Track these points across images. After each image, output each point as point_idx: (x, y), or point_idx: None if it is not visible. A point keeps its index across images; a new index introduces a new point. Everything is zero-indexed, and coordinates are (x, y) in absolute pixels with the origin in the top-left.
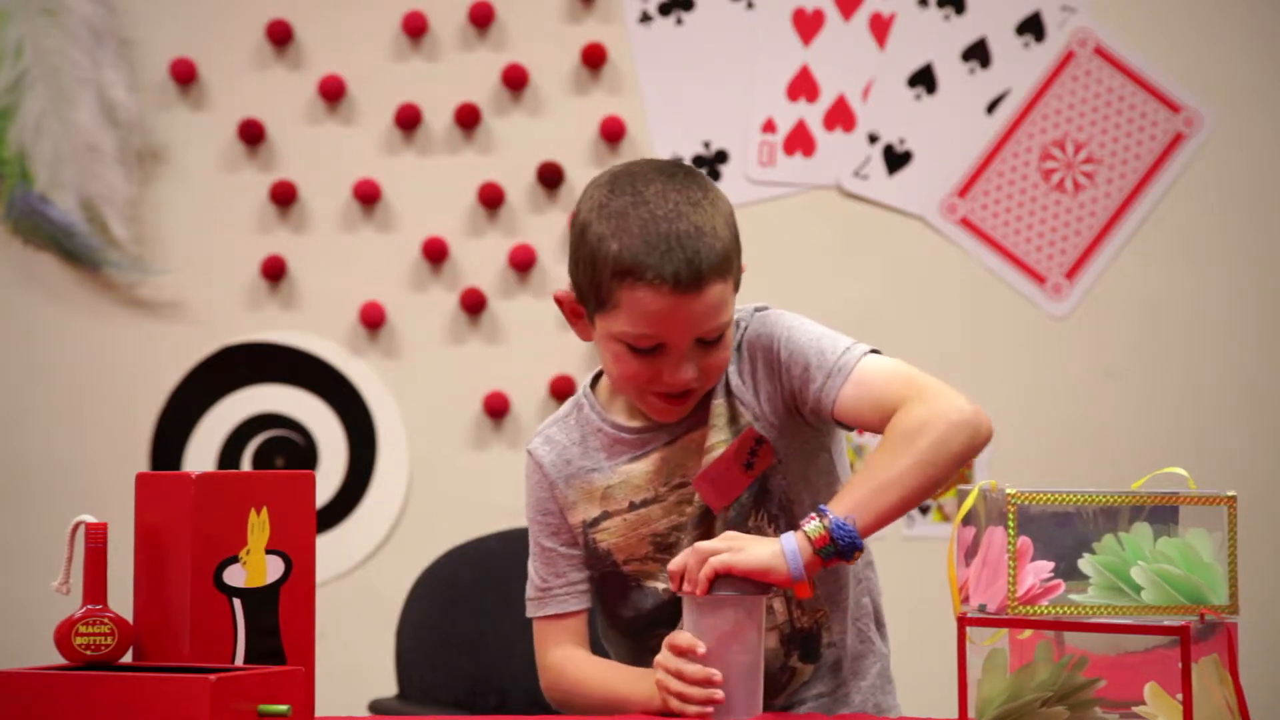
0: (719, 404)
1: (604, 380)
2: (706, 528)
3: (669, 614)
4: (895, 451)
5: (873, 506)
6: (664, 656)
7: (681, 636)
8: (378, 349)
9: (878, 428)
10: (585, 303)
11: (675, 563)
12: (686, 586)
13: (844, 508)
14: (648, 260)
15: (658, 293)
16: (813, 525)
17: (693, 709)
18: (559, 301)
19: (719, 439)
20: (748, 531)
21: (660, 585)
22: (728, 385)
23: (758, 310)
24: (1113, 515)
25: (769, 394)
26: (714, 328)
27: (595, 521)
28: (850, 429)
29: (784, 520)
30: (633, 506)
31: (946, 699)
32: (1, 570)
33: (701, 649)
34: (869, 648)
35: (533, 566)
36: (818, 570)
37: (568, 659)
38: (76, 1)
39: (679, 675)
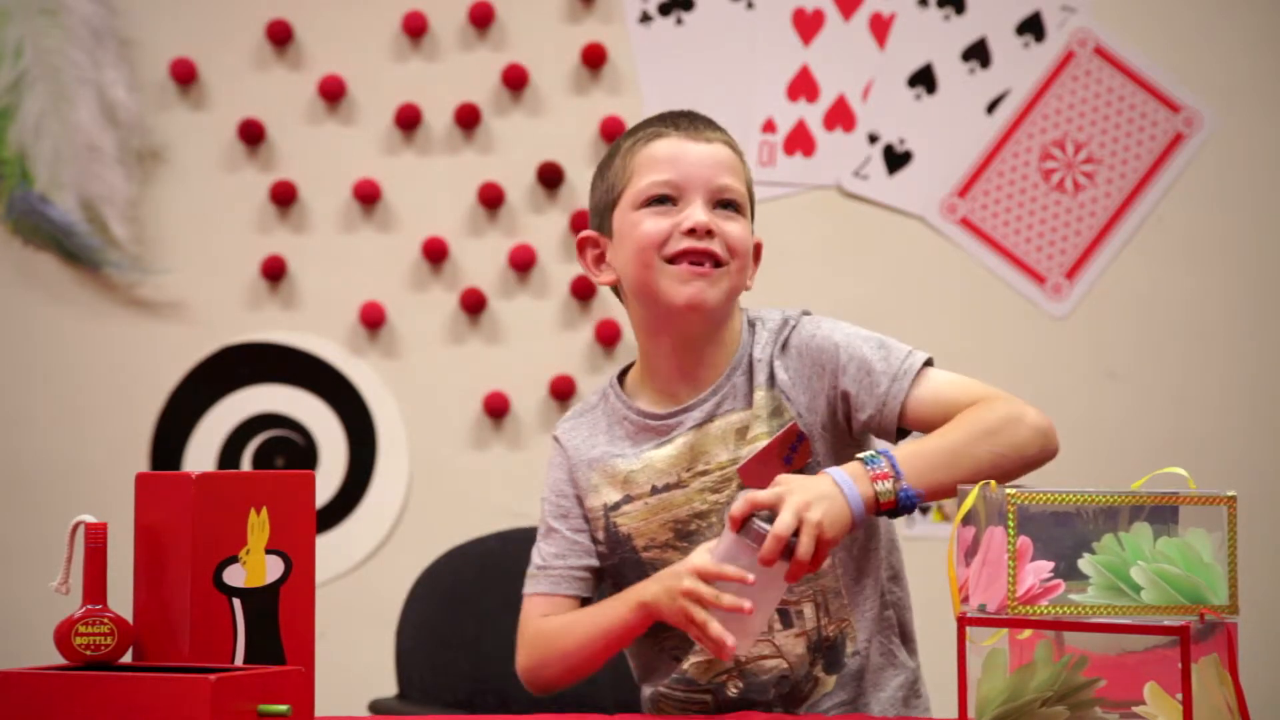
0: (762, 395)
1: (632, 372)
2: None
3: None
4: (976, 435)
5: (939, 480)
6: (693, 582)
7: (707, 561)
8: (378, 349)
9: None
10: (604, 219)
11: (736, 508)
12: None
13: (914, 474)
14: (658, 122)
15: (666, 140)
16: (884, 487)
17: (708, 641)
18: (580, 244)
19: (761, 430)
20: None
21: None
22: (773, 377)
23: (804, 313)
24: (1113, 515)
25: (816, 393)
26: (725, 186)
27: (616, 505)
28: (918, 430)
29: None
30: (655, 491)
31: (946, 699)
32: (1, 570)
33: (730, 570)
34: (890, 660)
35: (536, 546)
36: (864, 517)
37: (549, 622)
38: (76, 1)
39: (711, 602)
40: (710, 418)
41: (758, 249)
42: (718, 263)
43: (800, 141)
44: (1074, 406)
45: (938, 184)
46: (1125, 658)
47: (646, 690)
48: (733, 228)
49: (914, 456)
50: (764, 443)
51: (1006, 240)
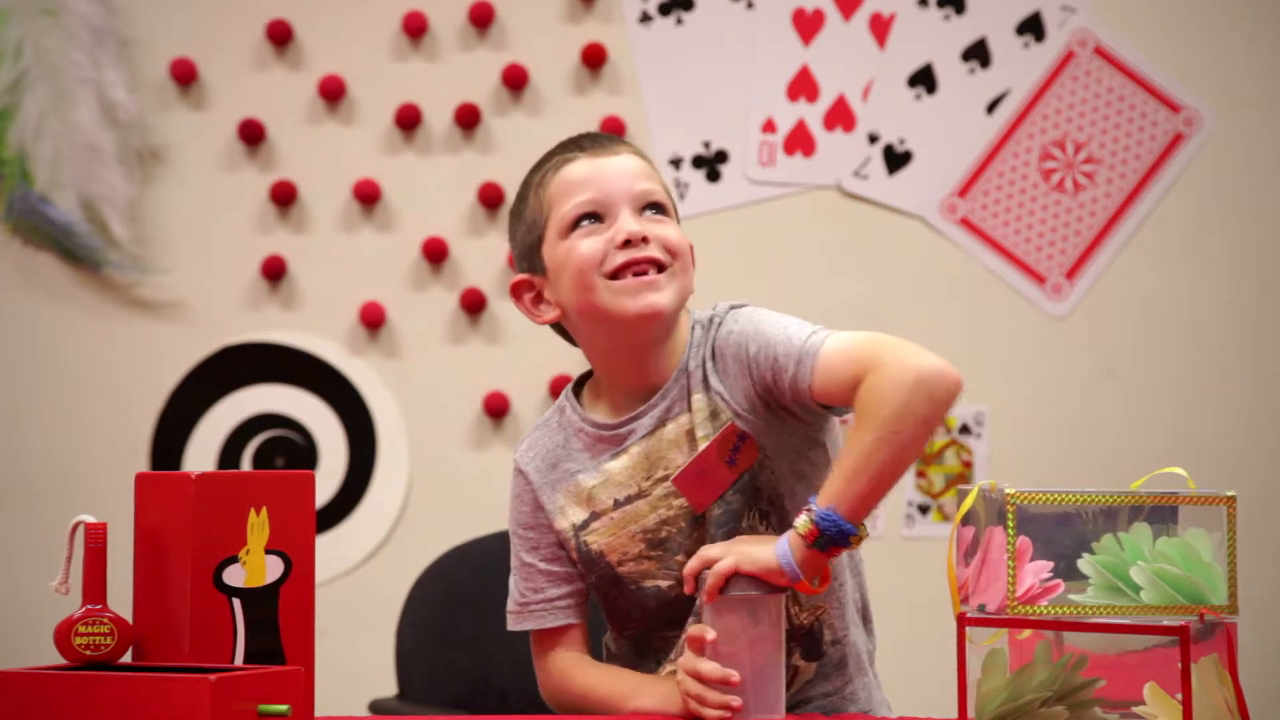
0: (699, 399)
1: (589, 383)
2: (701, 525)
3: (674, 612)
4: (861, 429)
5: (852, 490)
6: (685, 657)
7: (696, 627)
8: (378, 349)
9: (852, 400)
10: (533, 259)
11: (689, 567)
12: (701, 595)
13: (825, 497)
14: (561, 150)
15: (577, 163)
16: (801, 520)
17: (711, 713)
18: (514, 290)
19: (704, 433)
20: (741, 531)
21: (662, 583)
22: (706, 381)
23: (732, 308)
24: (1112, 515)
25: (744, 390)
26: (647, 190)
27: (584, 524)
28: (836, 406)
29: (775, 517)
30: (617, 504)
31: (946, 699)
32: (1, 570)
33: (712, 635)
34: (861, 637)
35: (512, 580)
36: (821, 563)
37: (572, 664)
38: (76, 1)
39: (696, 675)
40: (661, 423)
41: (692, 249)
42: (660, 267)
43: (800, 141)
44: (1074, 406)
45: (938, 184)
46: (1125, 658)
47: None
48: (667, 230)
49: (827, 481)
50: (701, 449)
51: (1006, 240)
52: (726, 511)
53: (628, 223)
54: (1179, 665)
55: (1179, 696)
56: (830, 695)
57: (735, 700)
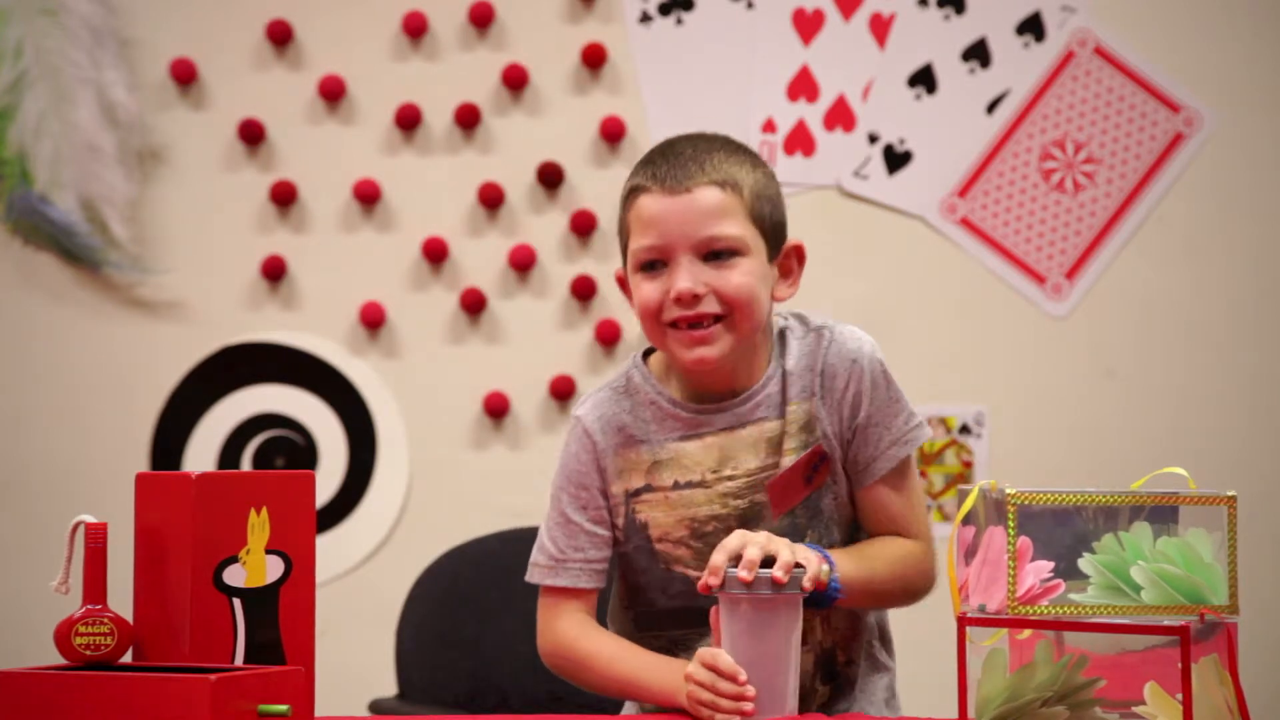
0: (796, 409)
1: (658, 354)
2: (752, 529)
3: (689, 602)
4: (898, 568)
5: (853, 587)
6: (695, 669)
7: (722, 660)
8: (378, 349)
9: (873, 528)
10: (626, 263)
11: (717, 558)
12: (742, 572)
13: (844, 575)
14: (642, 172)
15: (649, 196)
16: (824, 568)
17: (725, 704)
18: (619, 281)
19: (792, 445)
20: None
21: (691, 572)
22: (806, 391)
23: (833, 325)
24: (1113, 515)
25: (841, 418)
26: (712, 237)
27: (638, 493)
28: (853, 509)
29: (827, 543)
30: (677, 486)
31: (946, 699)
32: (1, 570)
33: (743, 677)
34: (874, 665)
35: (548, 534)
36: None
37: (582, 628)
38: (76, 1)
39: (711, 688)
40: (741, 423)
41: (799, 252)
42: (717, 317)
43: (800, 141)
44: (1074, 406)
45: (938, 184)
46: (1125, 658)
47: None
48: (729, 278)
49: (846, 561)
50: (792, 459)
51: (1006, 240)
52: (792, 524)
53: (681, 280)
54: (1179, 665)
55: (1179, 696)
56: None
57: (748, 707)
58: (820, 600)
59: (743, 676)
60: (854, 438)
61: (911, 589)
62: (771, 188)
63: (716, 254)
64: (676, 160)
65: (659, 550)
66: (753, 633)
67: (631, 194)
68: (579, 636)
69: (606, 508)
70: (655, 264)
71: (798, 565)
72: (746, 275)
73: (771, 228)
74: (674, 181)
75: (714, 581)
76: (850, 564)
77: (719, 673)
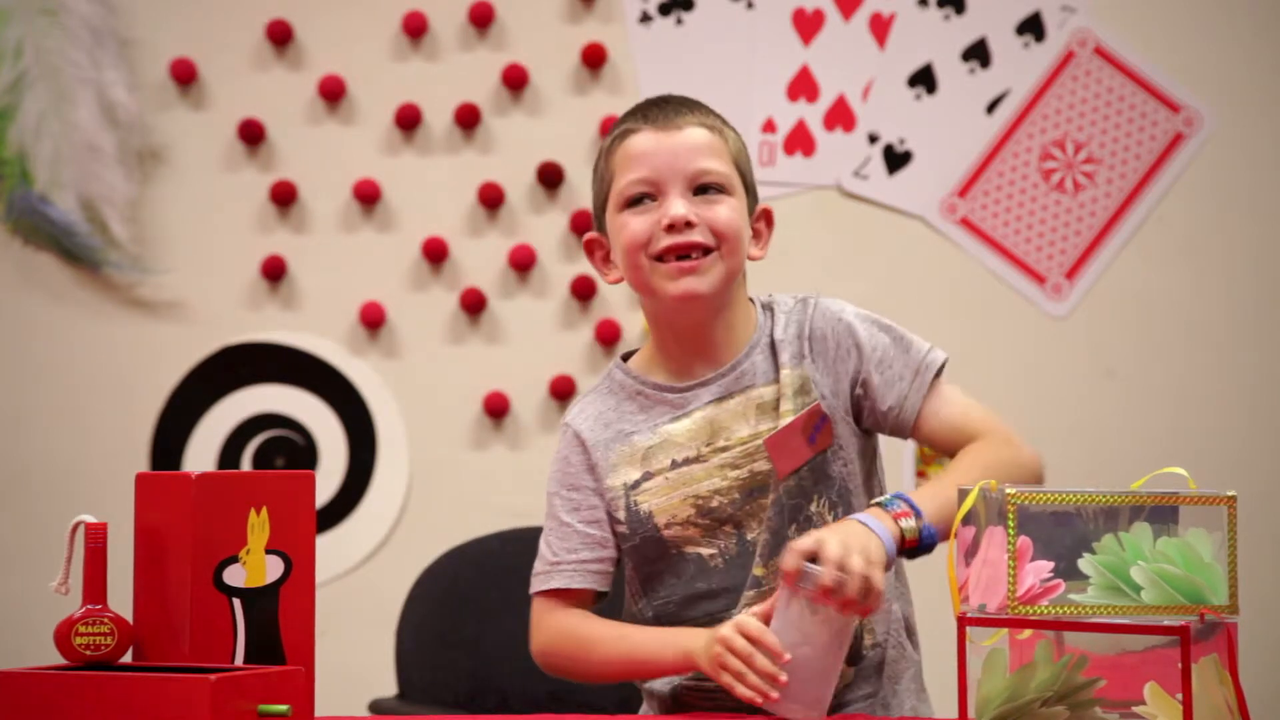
0: (789, 374)
1: (640, 353)
2: (755, 498)
3: (710, 583)
4: (999, 478)
5: (946, 519)
6: (733, 635)
7: (769, 636)
8: (378, 349)
9: (948, 449)
10: (600, 220)
11: (789, 562)
12: (821, 572)
13: (933, 515)
14: (632, 116)
15: (639, 135)
16: (908, 524)
17: (744, 691)
18: (587, 246)
19: (789, 407)
20: (809, 517)
21: (704, 550)
22: (797, 356)
23: (812, 298)
24: (1113, 515)
25: (839, 377)
26: (702, 170)
27: (637, 484)
28: (923, 443)
29: (842, 509)
30: (674, 465)
31: (946, 699)
32: (1, 570)
33: (787, 657)
34: (901, 653)
35: (545, 542)
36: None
37: (581, 618)
38: (76, 1)
39: (747, 659)
40: (729, 393)
41: (768, 215)
42: (706, 249)
43: (800, 141)
44: (1073, 406)
45: (938, 184)
46: (1125, 658)
47: (659, 684)
48: (719, 211)
49: (927, 499)
50: (790, 419)
51: (1006, 240)
52: (799, 486)
53: (675, 206)
54: (1179, 665)
55: (1179, 696)
56: (869, 698)
57: (774, 692)
58: (917, 551)
59: (787, 657)
60: (866, 391)
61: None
62: (745, 150)
63: (705, 189)
64: (665, 105)
65: (667, 537)
66: (803, 630)
67: (619, 137)
68: (578, 624)
69: (602, 507)
70: (644, 198)
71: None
72: (734, 212)
73: (749, 184)
74: (665, 120)
75: (792, 567)
76: (936, 502)
77: (762, 646)
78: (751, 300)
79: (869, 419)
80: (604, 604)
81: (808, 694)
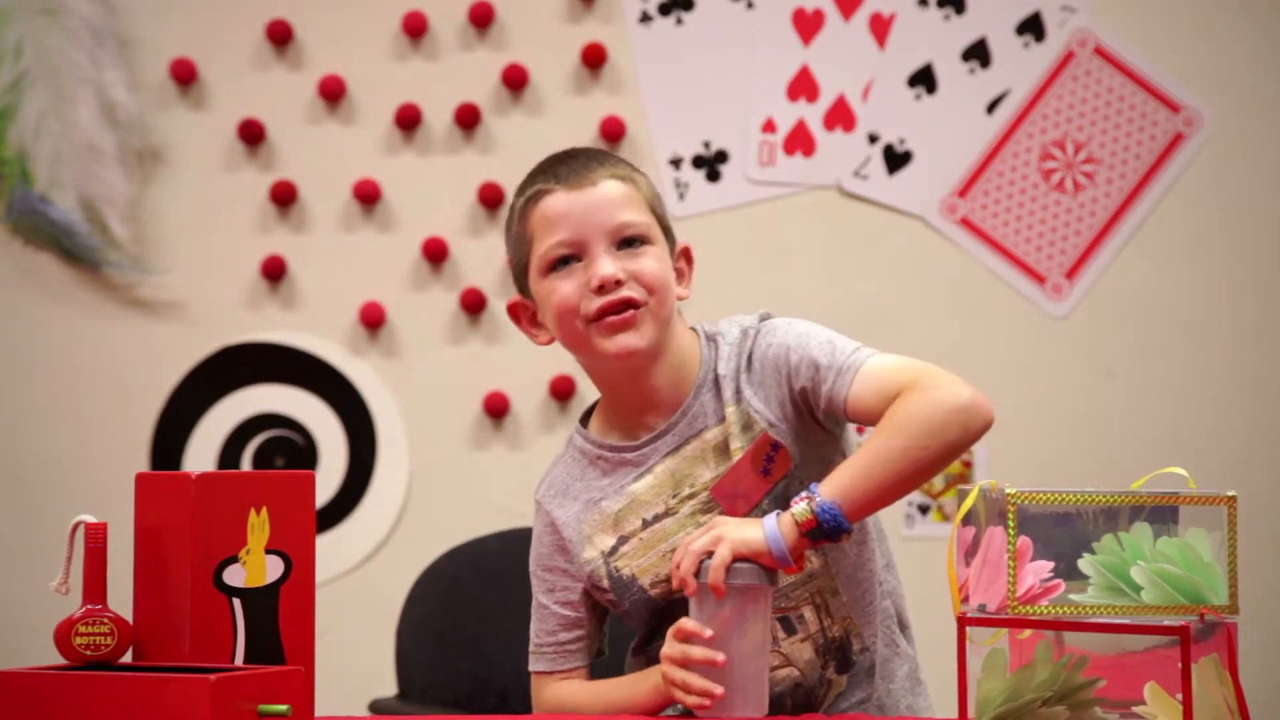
0: (733, 411)
1: (597, 410)
2: None
3: None
4: (888, 436)
5: (860, 489)
6: (668, 645)
7: (686, 621)
8: (378, 349)
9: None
10: (523, 284)
11: (684, 566)
12: (686, 586)
13: (832, 490)
14: (539, 179)
15: (552, 195)
16: (800, 508)
17: (692, 699)
18: (511, 311)
19: (738, 445)
20: None
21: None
22: (739, 392)
23: (763, 319)
24: (1113, 515)
25: (779, 399)
26: (622, 224)
27: (613, 550)
28: (864, 424)
29: None
30: (645, 524)
31: (946, 699)
32: (1, 570)
33: (707, 633)
34: (894, 651)
35: (532, 618)
36: (805, 549)
37: (564, 693)
38: (76, 1)
39: (684, 661)
40: (684, 440)
41: (687, 253)
42: (638, 305)
43: (800, 141)
44: (1073, 406)
45: (938, 184)
46: (1125, 658)
47: None
48: (645, 263)
49: (836, 473)
50: (738, 458)
51: (1006, 240)
52: (760, 516)
53: (603, 266)
54: (1179, 665)
55: (1179, 696)
56: (863, 704)
57: (718, 689)
58: (829, 533)
59: (708, 633)
60: (805, 399)
61: (940, 435)
62: (656, 192)
63: (629, 242)
64: (572, 163)
65: (656, 595)
66: (718, 624)
67: (531, 201)
68: (566, 698)
69: (577, 587)
70: (569, 260)
71: (745, 560)
72: (659, 261)
73: (665, 226)
74: (576, 178)
75: (689, 590)
76: (840, 477)
77: (686, 635)
78: (695, 330)
79: (827, 422)
80: (604, 659)
81: (747, 687)
